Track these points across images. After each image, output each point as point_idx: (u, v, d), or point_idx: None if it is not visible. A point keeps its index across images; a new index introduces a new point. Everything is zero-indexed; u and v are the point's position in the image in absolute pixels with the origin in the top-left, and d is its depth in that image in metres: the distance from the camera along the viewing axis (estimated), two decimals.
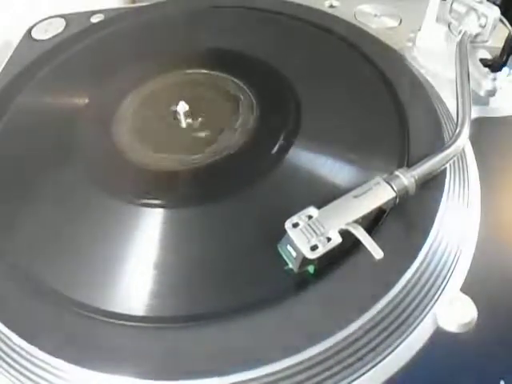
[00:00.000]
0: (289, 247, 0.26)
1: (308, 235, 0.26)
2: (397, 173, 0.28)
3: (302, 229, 0.26)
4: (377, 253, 0.25)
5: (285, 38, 0.42)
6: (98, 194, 0.32)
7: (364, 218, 0.27)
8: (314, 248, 0.25)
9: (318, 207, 0.27)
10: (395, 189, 0.28)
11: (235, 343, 0.25)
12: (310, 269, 0.27)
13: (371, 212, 0.27)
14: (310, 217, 0.26)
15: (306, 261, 0.26)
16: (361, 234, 0.26)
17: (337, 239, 0.26)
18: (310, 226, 0.26)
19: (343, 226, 0.26)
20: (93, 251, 0.30)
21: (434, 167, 0.29)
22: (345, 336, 0.25)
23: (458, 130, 0.31)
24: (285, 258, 0.27)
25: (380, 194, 0.28)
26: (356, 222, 0.26)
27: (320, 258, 0.25)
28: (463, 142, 0.30)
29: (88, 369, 0.25)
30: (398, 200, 0.28)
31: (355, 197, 0.27)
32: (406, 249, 0.28)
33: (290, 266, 0.27)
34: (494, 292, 0.28)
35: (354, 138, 0.34)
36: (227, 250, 0.29)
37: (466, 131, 0.31)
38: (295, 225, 0.26)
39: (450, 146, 0.30)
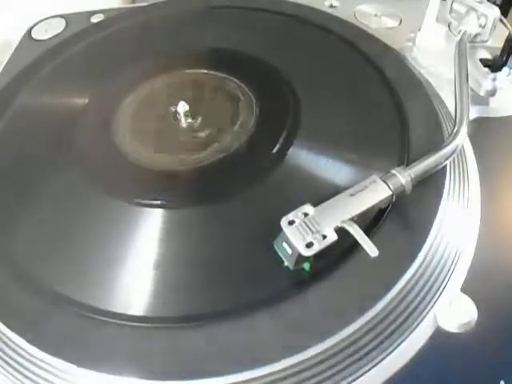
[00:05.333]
0: (284, 244, 0.26)
1: (303, 232, 0.26)
2: (393, 171, 0.28)
3: (298, 226, 0.26)
4: (372, 251, 0.25)
5: (284, 37, 0.42)
6: (98, 194, 0.32)
7: (360, 216, 0.27)
8: (309, 245, 0.25)
9: (316, 205, 0.27)
10: (391, 187, 0.28)
11: (235, 343, 0.25)
12: (306, 266, 0.26)
13: (367, 210, 0.27)
14: (305, 214, 0.26)
15: (301, 258, 0.26)
16: (356, 231, 0.26)
17: (332, 237, 0.26)
18: (306, 224, 0.26)
19: (339, 224, 0.26)
20: (93, 251, 0.30)
21: (432, 166, 0.29)
22: (345, 336, 0.25)
23: (455, 129, 0.30)
24: (281, 255, 0.27)
25: (376, 192, 0.27)
26: (352, 219, 0.26)
27: (316, 256, 0.25)
28: (461, 140, 0.30)
29: (88, 369, 0.25)
30: (394, 198, 0.28)
31: (351, 195, 0.27)
32: (406, 249, 0.28)
33: (286, 263, 0.27)
34: (493, 292, 0.28)
35: (353, 138, 0.34)
36: (227, 250, 0.29)
37: (463, 130, 0.30)
38: (291, 222, 0.26)
39: (447, 144, 0.30)
